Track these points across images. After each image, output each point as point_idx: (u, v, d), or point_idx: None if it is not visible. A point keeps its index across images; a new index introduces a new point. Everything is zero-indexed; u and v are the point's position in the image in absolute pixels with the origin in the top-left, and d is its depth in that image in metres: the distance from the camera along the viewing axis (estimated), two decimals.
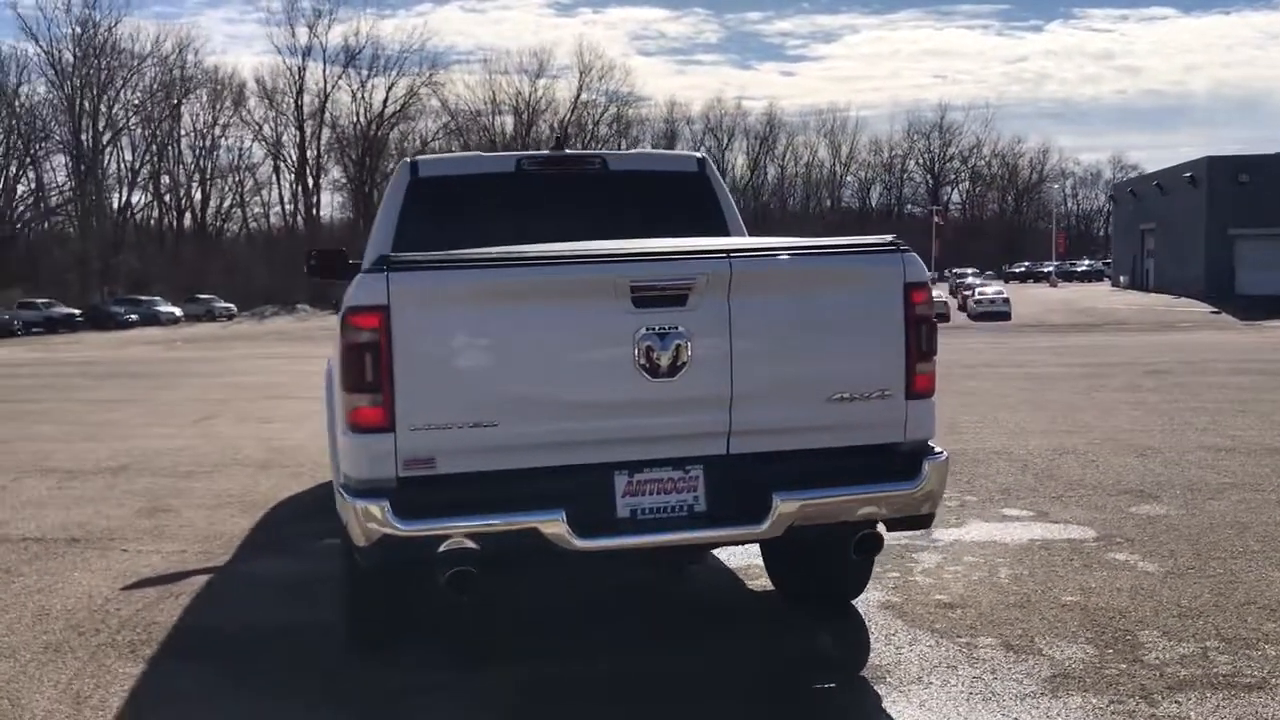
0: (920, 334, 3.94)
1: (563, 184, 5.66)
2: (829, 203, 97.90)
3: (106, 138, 69.99)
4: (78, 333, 49.90)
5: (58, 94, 68.44)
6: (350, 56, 76.53)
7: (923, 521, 4.08)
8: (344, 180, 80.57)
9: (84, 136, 68.22)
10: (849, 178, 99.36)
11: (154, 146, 74.70)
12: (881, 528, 4.04)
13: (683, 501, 3.82)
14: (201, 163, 78.47)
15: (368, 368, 3.58)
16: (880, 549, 3.97)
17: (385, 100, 77.36)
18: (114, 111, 70.51)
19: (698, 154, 5.77)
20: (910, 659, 4.30)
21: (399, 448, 3.62)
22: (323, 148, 78.60)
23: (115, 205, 72.59)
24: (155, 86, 73.56)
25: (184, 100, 74.90)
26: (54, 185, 71.00)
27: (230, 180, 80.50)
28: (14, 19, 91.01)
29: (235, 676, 4.35)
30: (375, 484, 3.64)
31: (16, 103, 67.57)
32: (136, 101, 71.90)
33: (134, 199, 75.97)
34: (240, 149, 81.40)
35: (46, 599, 5.42)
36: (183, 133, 76.55)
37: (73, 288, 62.65)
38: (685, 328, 3.71)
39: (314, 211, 79.65)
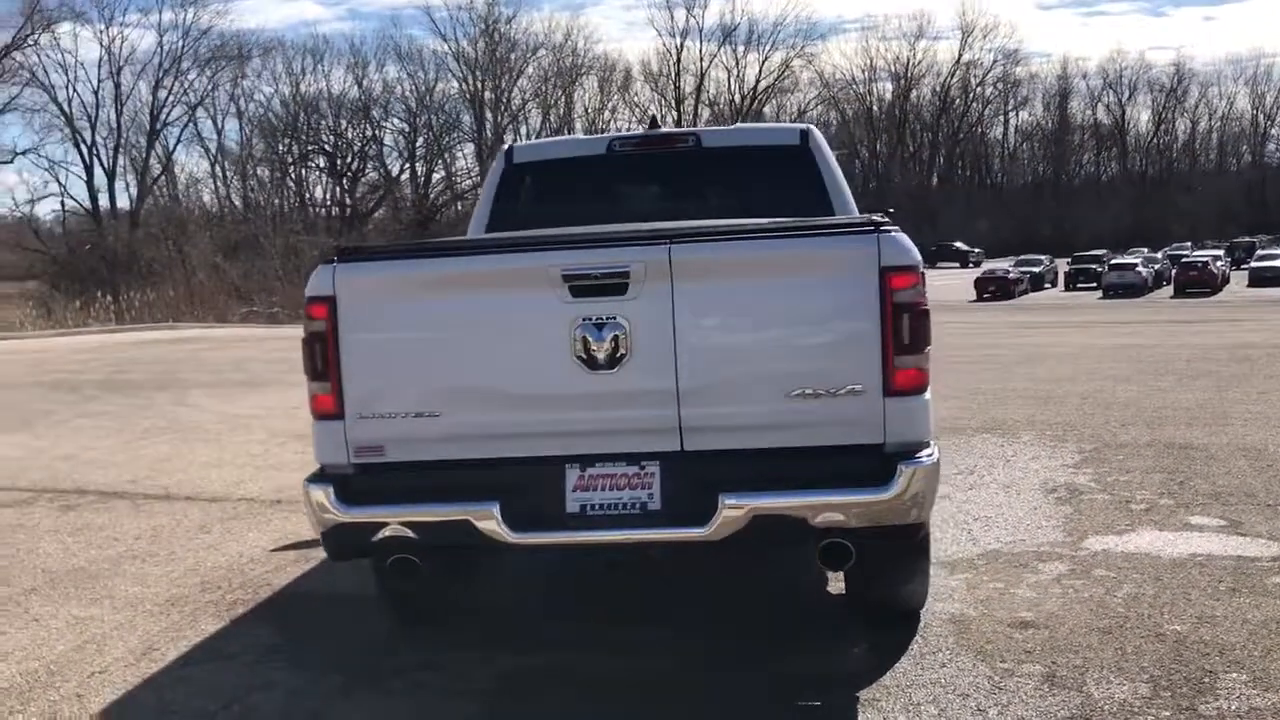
0: (901, 324, 3.53)
1: (655, 164, 5.54)
2: (1249, 158, 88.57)
3: (505, 124, 75.36)
4: None
5: (463, 86, 74.49)
6: (726, 34, 77.89)
7: (907, 532, 3.65)
8: None
9: (486, 125, 73.89)
10: (1274, 130, 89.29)
11: (547, 131, 79.55)
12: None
13: (636, 499, 3.66)
14: None
15: (318, 357, 3.70)
16: (849, 560, 3.59)
17: (759, 75, 78.09)
18: (511, 99, 75.78)
19: (802, 126, 5.43)
20: (925, 681, 3.89)
21: (349, 435, 3.73)
22: (700, 125, 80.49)
23: None
24: (550, 74, 78.33)
25: (576, 85, 79.25)
26: (462, 171, 77.50)
27: None
28: (427, 21, 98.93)
29: (281, 642, 4.65)
30: (335, 470, 3.77)
31: (430, 99, 74.31)
32: (532, 89, 76.95)
33: None
34: (628, 130, 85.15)
35: (208, 556, 6.00)
36: (575, 116, 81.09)
37: None
38: (624, 318, 3.55)
39: None
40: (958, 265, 66.29)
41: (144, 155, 61.20)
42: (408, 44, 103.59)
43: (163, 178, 64.40)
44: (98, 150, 59.84)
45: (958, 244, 72.12)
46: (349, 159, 76.63)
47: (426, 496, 3.67)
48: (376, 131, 77.58)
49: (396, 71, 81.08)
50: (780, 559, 5.25)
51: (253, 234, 47.65)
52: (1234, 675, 3.81)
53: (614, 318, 3.54)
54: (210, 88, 67.35)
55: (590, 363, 3.56)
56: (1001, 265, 49.77)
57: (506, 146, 5.75)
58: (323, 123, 76.53)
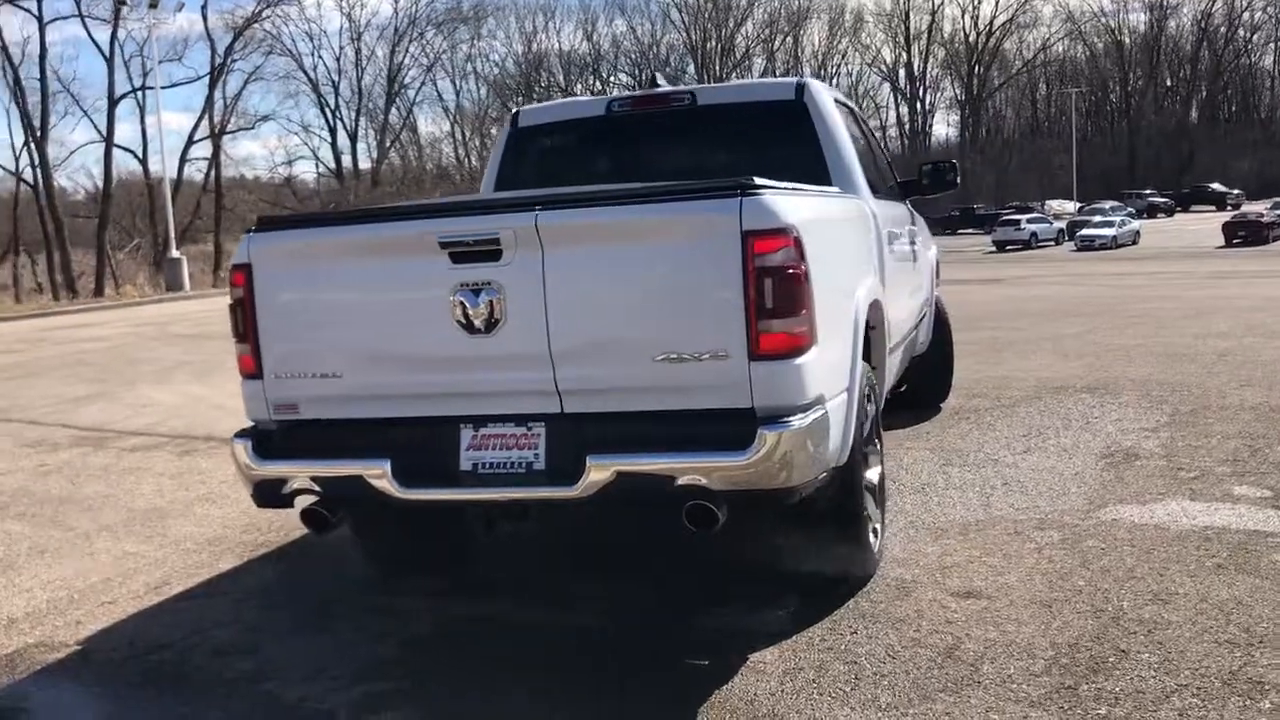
0: (764, 288, 3.50)
1: (653, 123, 5.57)
2: None
3: (728, 73, 75.05)
4: None
5: (686, 37, 74.61)
6: None
7: (779, 496, 3.62)
8: (955, 98, 79.47)
9: (705, 72, 73.81)
10: None
11: (775, 75, 78.78)
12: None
13: (523, 458, 3.78)
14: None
15: (239, 321, 3.99)
16: (715, 523, 3.60)
17: (995, 10, 74.71)
18: (735, 46, 75.35)
19: (799, 80, 5.32)
20: (823, 646, 3.88)
21: (268, 394, 4.01)
22: (932, 66, 77.97)
23: None
24: (776, 17, 77.47)
25: (803, 28, 78.08)
26: None
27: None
28: None
29: (271, 583, 5.04)
30: (260, 425, 4.06)
31: (656, 50, 74.88)
32: (757, 34, 76.30)
33: None
34: (857, 73, 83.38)
35: None
36: (803, 60, 79.98)
37: None
38: (499, 283, 3.66)
39: (923, 132, 79.50)
40: (1213, 209, 61.84)
41: (383, 117, 64.42)
42: None
43: (401, 138, 67.69)
44: (340, 114, 63.34)
45: (1214, 186, 67.29)
46: None
47: (328, 453, 3.90)
48: (605, 87, 78.95)
49: (624, 25, 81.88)
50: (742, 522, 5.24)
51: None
52: (1145, 656, 3.61)
53: (489, 283, 3.65)
54: (448, 49, 70.09)
55: (469, 327, 3.69)
56: (1256, 208, 46.17)
57: (514, 111, 5.88)
58: (552, 79, 78.49)
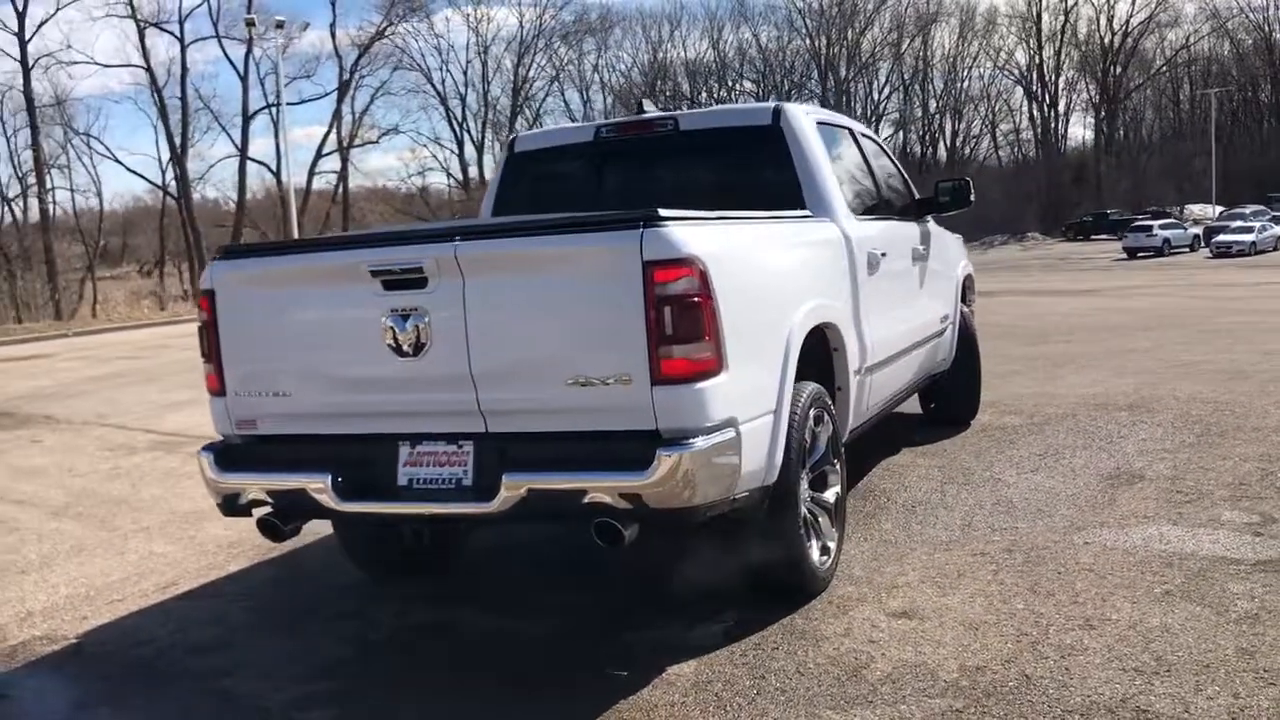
0: (664, 316, 3.65)
1: (638, 149, 5.75)
2: None
3: (851, 76, 74.28)
4: None
5: (811, 43, 74.11)
6: None
7: (686, 514, 3.76)
8: (1090, 100, 77.23)
9: (829, 79, 73.26)
10: None
11: (902, 79, 77.78)
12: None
13: (454, 475, 4.00)
14: (953, 91, 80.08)
15: (205, 342, 4.32)
16: (620, 540, 3.76)
17: (1132, 9, 72.34)
18: (860, 51, 74.50)
19: (776, 105, 5.43)
20: (744, 661, 4.00)
21: (230, 410, 4.33)
22: (1066, 68, 75.90)
23: None
24: (904, 20, 76.34)
25: (932, 30, 76.80)
26: None
27: (978, 109, 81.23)
28: None
29: (267, 585, 5.38)
30: (226, 440, 4.38)
31: (783, 56, 74.55)
32: (884, 39, 75.33)
33: (881, 131, 79.96)
34: (989, 77, 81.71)
35: None
36: (932, 64, 78.71)
37: None
38: (425, 309, 3.89)
39: (1056, 135, 77.45)
40: None
41: (508, 127, 65.66)
42: (761, 3, 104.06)
43: None
44: (468, 125, 64.84)
45: None
46: None
47: (277, 466, 4.19)
48: (730, 94, 79.00)
49: (749, 33, 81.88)
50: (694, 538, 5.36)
51: None
52: (1045, 682, 3.64)
53: (416, 309, 3.89)
54: (574, 59, 71.04)
55: (399, 350, 3.93)
56: None
57: (511, 138, 6.12)
58: (676, 88, 78.87)
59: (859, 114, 77.11)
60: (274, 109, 53.63)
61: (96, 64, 76.51)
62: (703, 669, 3.97)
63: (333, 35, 65.83)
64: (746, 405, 3.95)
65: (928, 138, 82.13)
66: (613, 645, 4.29)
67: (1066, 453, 6.83)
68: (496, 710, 3.83)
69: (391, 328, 3.92)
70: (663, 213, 3.73)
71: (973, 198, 6.91)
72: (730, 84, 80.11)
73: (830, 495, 4.82)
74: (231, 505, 4.31)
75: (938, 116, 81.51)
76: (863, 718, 3.51)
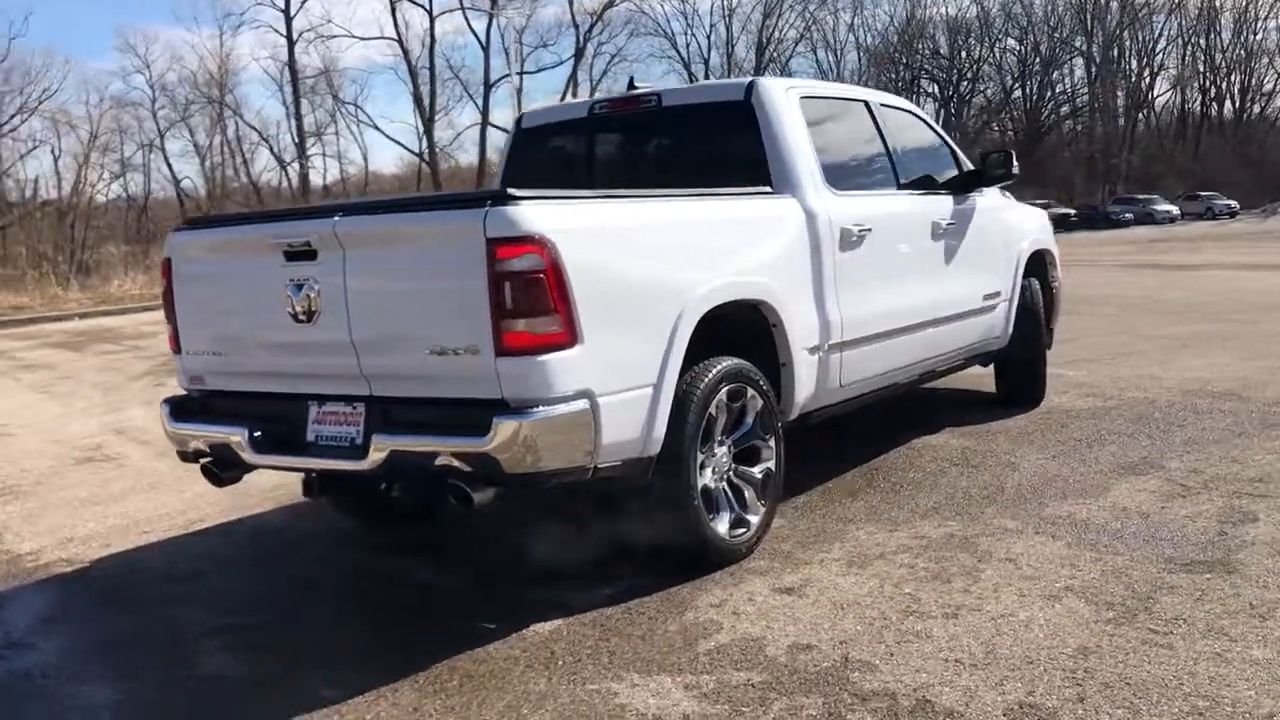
0: (505, 291, 3.85)
1: (625, 125, 5.90)
2: None
3: (1120, 30, 69.76)
4: (1070, 233, 51.87)
5: None
6: None
7: (528, 481, 3.96)
8: None
9: (1095, 34, 69.07)
10: None
11: (1181, 30, 72.50)
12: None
13: (348, 434, 4.36)
14: (1242, 43, 73.94)
15: (165, 305, 4.83)
16: (468, 501, 4.00)
17: None
18: (1134, 2, 69.77)
19: (750, 80, 5.45)
20: (601, 623, 4.18)
21: (184, 366, 4.84)
22: None
23: (1121, 104, 72.47)
24: None
25: None
26: (1070, 90, 73.52)
27: (1273, 62, 74.66)
28: None
29: (267, 529, 5.92)
30: (187, 392, 4.89)
31: (1052, 12, 70.78)
32: None
33: (1156, 90, 74.91)
34: None
35: None
36: (1221, 10, 72.85)
37: (1078, 188, 65.08)
38: (315, 279, 4.25)
39: None
40: None
41: None
42: None
43: None
44: None
45: None
46: (958, 81, 76.00)
47: (210, 419, 4.66)
48: (992, 51, 75.95)
49: None
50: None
51: None
52: (886, 668, 3.66)
53: (308, 279, 4.25)
54: (826, 17, 69.94)
55: (296, 317, 4.30)
56: None
57: (519, 114, 6.36)
58: (934, 47, 76.47)
59: (1128, 71, 72.49)
60: (518, 77, 55.62)
61: (354, 37, 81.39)
62: (562, 628, 4.17)
63: (570, 3, 67.59)
64: (610, 378, 4.09)
65: (1212, 95, 76.28)
66: (508, 601, 4.53)
67: (1106, 440, 6.52)
68: (371, 647, 4.15)
69: (290, 296, 4.29)
70: (513, 192, 3.92)
71: (1015, 170, 6.67)
72: (991, 42, 76.86)
73: (759, 470, 4.88)
74: (184, 453, 4.81)
75: (1224, 71, 75.47)
76: (659, 684, 3.63)
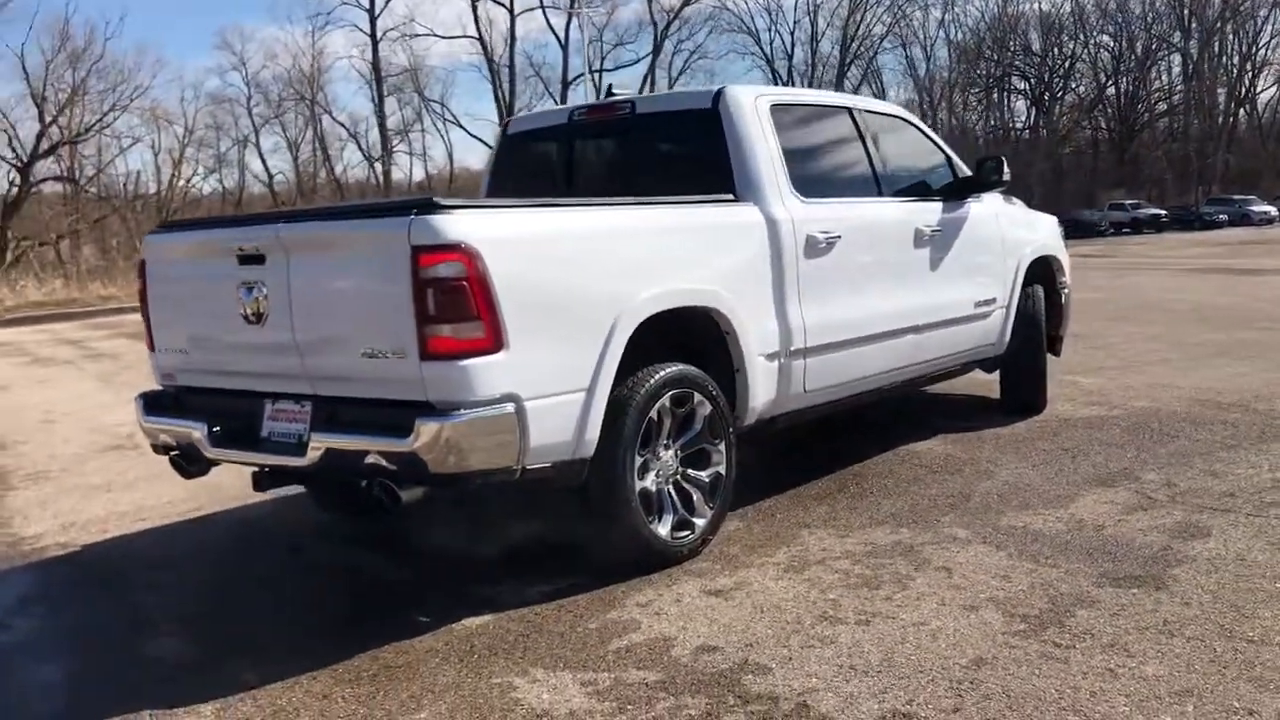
0: (428, 297, 4.00)
1: (603, 132, 6.02)
2: None
3: (1220, 23, 67.70)
4: (1160, 234, 50.70)
5: None
6: None
7: (453, 480, 4.11)
8: None
9: (1192, 30, 67.19)
10: None
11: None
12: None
13: (296, 431, 4.54)
14: None
15: (140, 303, 5.08)
16: (394, 499, 4.18)
17: None
18: None
19: (719, 89, 5.52)
20: (519, 619, 4.31)
21: (158, 364, 5.08)
22: None
23: (1220, 101, 70.35)
24: None
25: None
26: (1166, 87, 71.58)
27: None
28: None
29: (252, 518, 6.14)
30: (162, 388, 5.13)
31: (1149, 9, 69.02)
32: None
33: (1258, 86, 72.62)
34: None
35: None
36: None
37: (1171, 188, 63.46)
38: (264, 283, 4.44)
39: None
40: None
41: (835, 85, 65.06)
42: None
43: None
44: (793, 85, 64.67)
45: None
46: (1050, 79, 74.49)
47: (175, 414, 4.88)
48: (1086, 48, 74.32)
49: None
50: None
51: None
52: (777, 668, 3.74)
53: (259, 282, 4.44)
54: (914, 12, 69.12)
55: (248, 319, 4.50)
56: None
57: (505, 121, 6.51)
58: (1025, 43, 75.11)
59: (1228, 67, 70.38)
60: (595, 75, 55.95)
61: (437, 36, 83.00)
62: (490, 622, 4.31)
63: (649, 1, 67.68)
64: (538, 383, 4.21)
65: None
66: (451, 595, 4.66)
67: (1092, 450, 6.47)
68: (307, 637, 4.33)
69: (242, 299, 4.49)
70: (440, 201, 4.07)
71: (1006, 175, 6.65)
72: (1085, 38, 75.20)
73: (708, 474, 4.96)
74: (155, 446, 5.05)
75: None
76: (559, 680, 3.74)
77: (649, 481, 4.73)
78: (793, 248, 5.37)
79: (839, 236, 5.62)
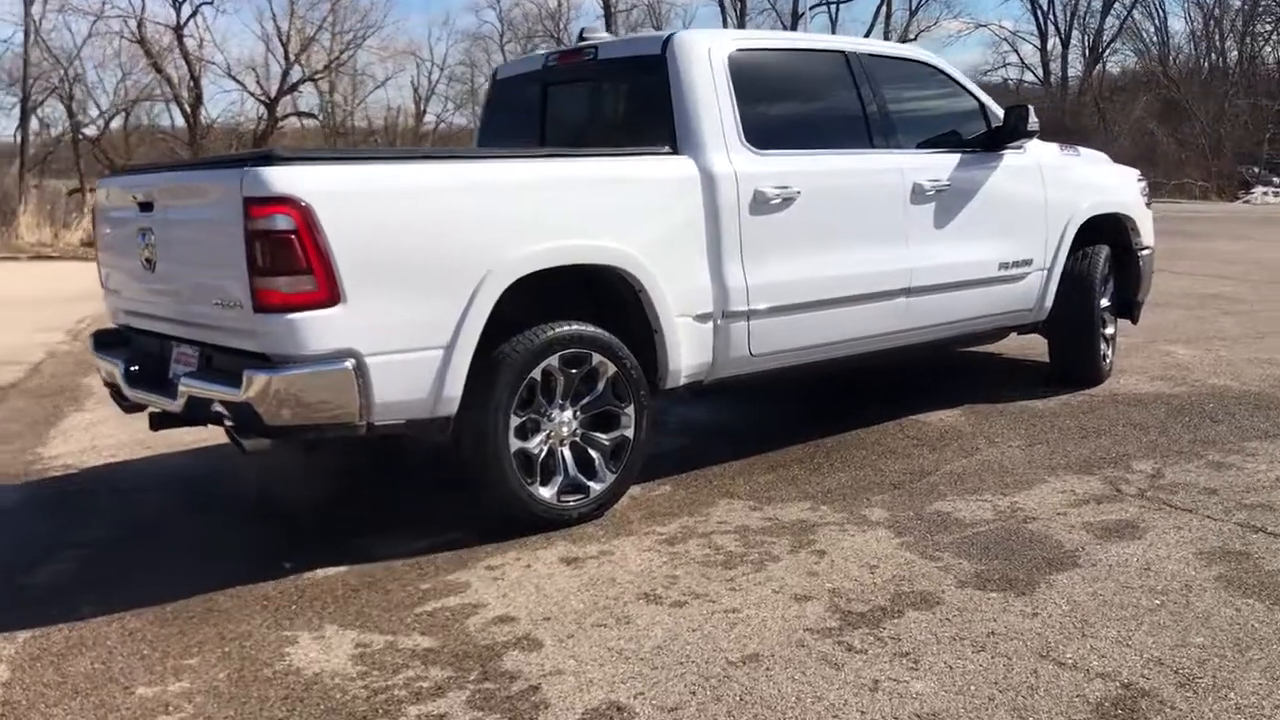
0: (258, 249, 4.02)
1: (571, 78, 5.86)
2: None
3: None
4: None
5: None
6: None
7: (288, 432, 4.14)
8: None
9: None
10: None
11: None
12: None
13: (179, 375, 4.69)
14: None
15: (96, 244, 5.37)
16: (240, 447, 4.25)
17: None
18: None
19: (669, 34, 5.24)
20: (393, 578, 4.33)
21: (108, 304, 5.35)
22: None
23: None
24: None
25: None
26: None
27: None
28: None
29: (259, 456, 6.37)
30: (115, 329, 5.41)
31: None
32: None
33: None
34: None
35: None
36: None
37: None
38: (152, 230, 4.60)
39: None
40: None
41: (1100, 18, 60.77)
42: None
43: (1117, 43, 63.33)
44: (1054, 18, 60.84)
45: None
46: None
47: (106, 351, 5.12)
48: None
49: None
50: None
51: (1176, 98, 46.17)
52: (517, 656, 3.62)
53: (149, 229, 4.60)
54: None
55: (144, 264, 4.67)
56: None
57: (495, 67, 6.40)
58: None
59: None
60: (828, 6, 54.28)
61: None
62: (337, 575, 4.30)
63: None
64: (384, 338, 4.17)
65: None
66: (329, 543, 4.65)
67: (1107, 432, 5.88)
68: (172, 574, 4.41)
69: (137, 244, 4.66)
70: (279, 153, 4.07)
71: (1033, 125, 6.07)
72: None
73: (610, 437, 4.82)
74: (103, 381, 5.32)
75: None
76: (339, 640, 3.71)
77: (533, 443, 4.62)
78: (733, 204, 5.07)
79: (798, 192, 5.27)
